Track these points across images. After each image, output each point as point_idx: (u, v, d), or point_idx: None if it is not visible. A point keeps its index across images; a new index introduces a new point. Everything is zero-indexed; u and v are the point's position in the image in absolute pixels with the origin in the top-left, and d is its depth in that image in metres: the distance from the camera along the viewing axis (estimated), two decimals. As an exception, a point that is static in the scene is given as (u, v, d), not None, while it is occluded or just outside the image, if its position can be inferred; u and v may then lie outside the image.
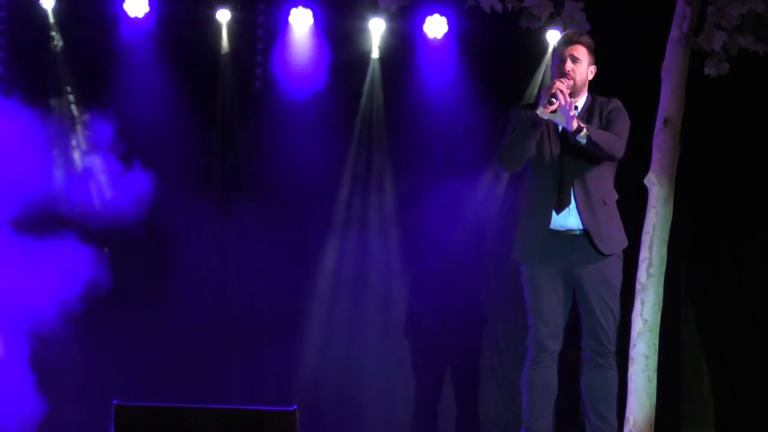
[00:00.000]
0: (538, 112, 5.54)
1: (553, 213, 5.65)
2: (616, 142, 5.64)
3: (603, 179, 5.71)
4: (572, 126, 5.51)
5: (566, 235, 5.68)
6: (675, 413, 7.53)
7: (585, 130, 5.52)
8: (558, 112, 5.49)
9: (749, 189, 7.53)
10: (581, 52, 5.67)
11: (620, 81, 5.98)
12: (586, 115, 5.71)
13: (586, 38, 5.70)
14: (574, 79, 5.63)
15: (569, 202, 5.65)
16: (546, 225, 5.65)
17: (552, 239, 5.67)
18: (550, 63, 5.91)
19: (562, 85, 5.54)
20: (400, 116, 7.81)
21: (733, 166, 7.52)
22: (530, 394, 5.74)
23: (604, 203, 5.69)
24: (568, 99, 5.49)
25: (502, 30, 6.92)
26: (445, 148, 7.71)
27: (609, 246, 5.69)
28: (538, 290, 5.71)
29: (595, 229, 5.65)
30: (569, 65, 5.64)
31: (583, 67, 5.68)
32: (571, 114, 5.50)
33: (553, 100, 5.50)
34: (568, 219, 5.68)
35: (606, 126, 5.66)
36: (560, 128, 5.67)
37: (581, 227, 5.67)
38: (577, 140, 5.53)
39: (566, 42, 5.68)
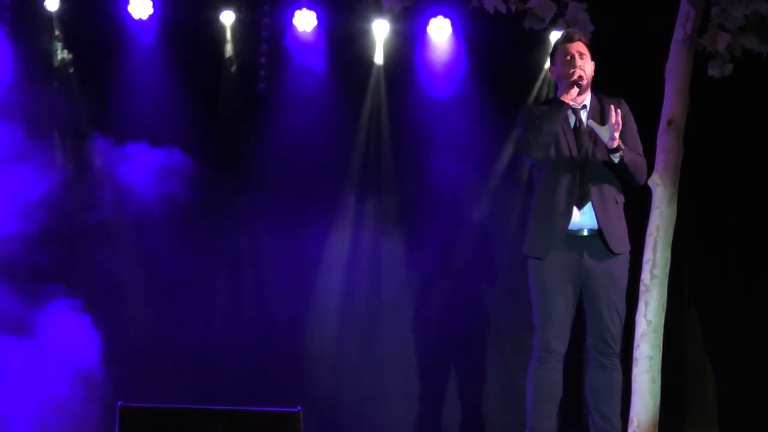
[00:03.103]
0: (566, 100, 5.67)
1: (574, 210, 5.68)
2: (644, 168, 5.78)
3: (614, 179, 5.77)
4: (613, 144, 5.62)
5: (577, 235, 5.69)
6: (679, 414, 7.52)
7: (622, 152, 5.64)
8: (605, 129, 5.62)
9: (753, 190, 7.52)
10: (584, 48, 5.76)
11: (623, 82, 5.99)
12: (598, 115, 5.74)
13: (584, 36, 5.79)
14: (584, 73, 5.70)
15: (590, 199, 5.68)
16: (566, 222, 5.67)
17: (564, 239, 5.69)
18: (552, 62, 5.92)
19: (581, 71, 5.62)
20: (403, 117, 7.81)
21: (737, 167, 7.51)
22: (535, 395, 5.74)
23: (616, 202, 5.74)
24: (619, 119, 5.59)
25: (505, 31, 6.93)
26: (449, 148, 7.71)
27: (619, 245, 5.73)
28: (546, 290, 5.71)
29: (607, 226, 5.68)
30: (578, 62, 5.71)
31: (588, 63, 5.77)
32: (616, 133, 5.60)
33: (581, 83, 5.60)
34: (582, 217, 5.70)
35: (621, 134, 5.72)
36: (572, 124, 5.71)
37: (592, 227, 5.69)
38: (610, 156, 5.66)
39: (568, 40, 5.78)
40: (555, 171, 5.74)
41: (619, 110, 5.64)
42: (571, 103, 5.76)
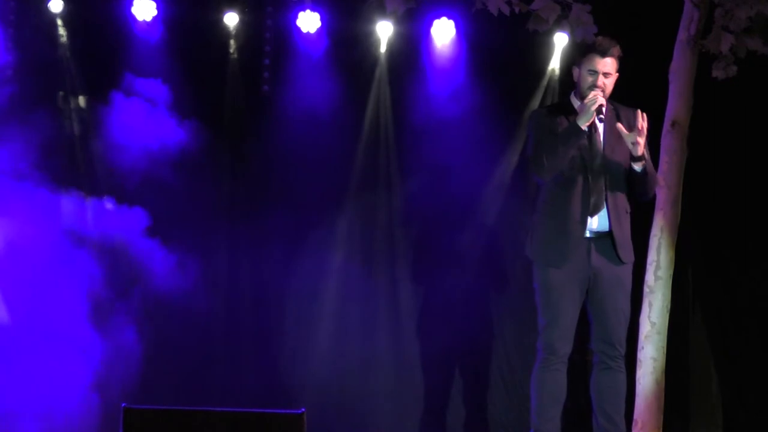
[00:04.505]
0: (596, 119, 5.62)
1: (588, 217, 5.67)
2: (657, 182, 5.81)
3: (624, 190, 5.75)
4: (638, 152, 5.60)
5: (585, 238, 5.68)
6: (683, 415, 7.51)
7: (645, 161, 5.63)
8: (631, 135, 5.59)
9: (757, 191, 7.52)
10: (613, 65, 5.69)
11: (627, 83, 5.97)
12: (614, 124, 5.70)
13: (618, 49, 5.68)
14: (604, 92, 5.64)
15: (603, 207, 5.66)
16: (582, 232, 5.65)
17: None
18: (577, 62, 5.78)
19: (602, 98, 5.57)
20: (407, 119, 7.81)
21: (741, 169, 7.50)
22: (539, 396, 5.74)
23: (626, 212, 5.73)
24: (645, 125, 5.57)
25: (509, 33, 6.93)
26: (452, 150, 7.71)
27: (627, 254, 5.72)
28: (554, 293, 5.69)
29: (619, 235, 5.68)
30: (601, 80, 5.65)
31: (612, 79, 5.70)
32: (641, 139, 5.58)
33: (602, 116, 5.56)
34: (593, 221, 5.68)
35: None
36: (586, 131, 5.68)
37: (602, 230, 5.67)
38: (633, 165, 5.63)
39: (601, 53, 5.66)
40: (567, 180, 5.70)
41: (644, 116, 5.59)
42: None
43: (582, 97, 5.68)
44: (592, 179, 5.67)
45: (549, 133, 5.68)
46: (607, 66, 5.67)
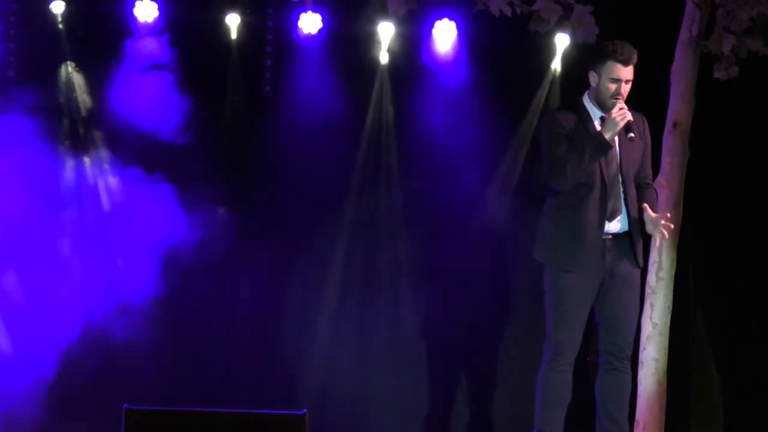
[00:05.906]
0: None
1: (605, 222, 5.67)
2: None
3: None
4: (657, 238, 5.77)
5: (601, 240, 5.66)
6: (685, 416, 7.51)
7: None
8: (652, 219, 5.64)
9: (757, 192, 7.52)
10: (632, 72, 5.66)
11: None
12: (623, 127, 5.69)
13: (637, 55, 5.66)
14: (630, 115, 5.63)
15: (620, 212, 5.65)
16: (600, 236, 5.63)
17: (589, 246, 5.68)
18: (596, 67, 5.70)
19: (628, 112, 5.55)
20: (408, 119, 7.81)
21: (743, 169, 7.50)
22: (544, 397, 5.73)
23: (639, 221, 5.73)
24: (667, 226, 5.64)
25: (510, 34, 6.92)
26: (454, 151, 7.71)
27: (641, 258, 5.72)
28: (565, 296, 5.66)
29: (637, 240, 5.68)
30: (624, 88, 5.63)
31: (630, 85, 5.68)
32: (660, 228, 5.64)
33: (632, 135, 5.54)
34: (611, 225, 5.67)
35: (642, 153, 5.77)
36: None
37: (616, 231, 5.66)
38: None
39: (623, 61, 5.60)
40: (582, 185, 5.66)
41: (669, 222, 5.63)
42: (603, 115, 5.66)
43: (601, 104, 5.64)
44: (609, 185, 5.65)
45: (567, 141, 5.63)
46: (629, 74, 5.64)
